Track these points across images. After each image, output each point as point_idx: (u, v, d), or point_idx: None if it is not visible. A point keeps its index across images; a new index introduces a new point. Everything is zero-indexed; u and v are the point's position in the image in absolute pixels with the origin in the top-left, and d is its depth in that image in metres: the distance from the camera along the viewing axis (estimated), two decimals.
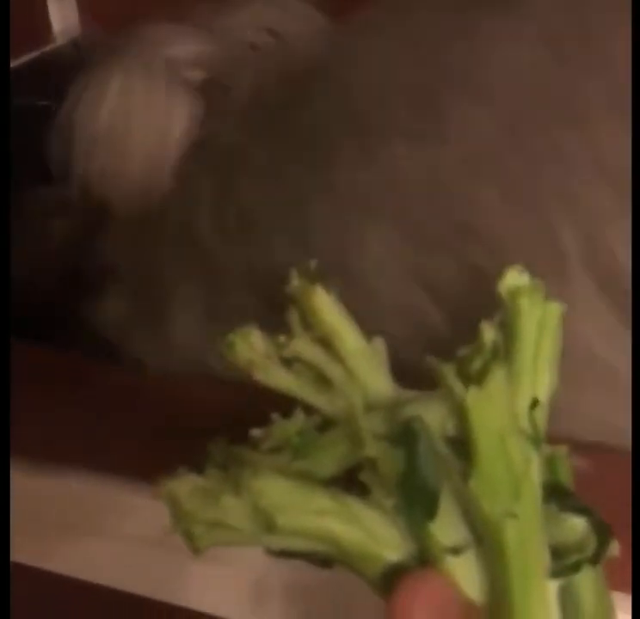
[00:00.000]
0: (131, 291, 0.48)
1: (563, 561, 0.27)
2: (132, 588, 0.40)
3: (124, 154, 0.49)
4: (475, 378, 0.27)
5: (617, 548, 0.29)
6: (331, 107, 0.42)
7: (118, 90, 0.49)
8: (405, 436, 0.27)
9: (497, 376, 0.27)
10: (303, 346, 0.30)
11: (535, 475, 0.27)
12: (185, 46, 0.51)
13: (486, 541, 0.27)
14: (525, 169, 0.37)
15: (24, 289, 0.47)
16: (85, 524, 0.40)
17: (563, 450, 0.29)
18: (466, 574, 0.27)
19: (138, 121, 0.49)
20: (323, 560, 0.29)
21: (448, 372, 0.28)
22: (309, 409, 0.30)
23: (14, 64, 0.86)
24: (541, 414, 0.28)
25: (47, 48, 0.91)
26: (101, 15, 0.91)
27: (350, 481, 0.28)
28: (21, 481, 0.38)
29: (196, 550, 0.28)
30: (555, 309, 0.30)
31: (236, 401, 0.33)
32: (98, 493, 0.39)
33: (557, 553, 0.28)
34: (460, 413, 0.27)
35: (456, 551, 0.27)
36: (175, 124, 0.48)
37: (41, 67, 0.87)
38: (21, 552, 0.40)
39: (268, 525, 0.27)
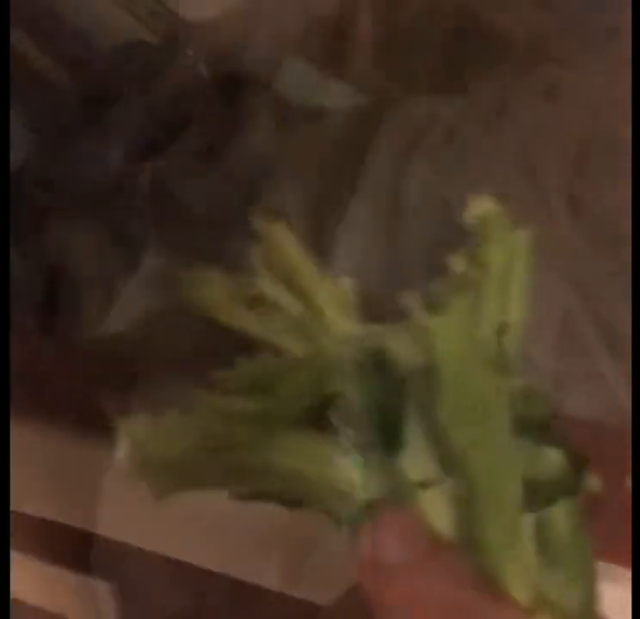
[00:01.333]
0: None
1: (539, 495, 0.27)
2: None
3: None
4: (438, 308, 0.26)
5: (596, 483, 0.28)
6: None
7: None
8: (368, 369, 0.26)
9: (458, 304, 0.26)
10: (266, 286, 0.29)
11: (503, 403, 0.26)
12: None
13: (455, 473, 0.26)
14: None
15: None
16: None
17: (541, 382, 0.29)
18: (437, 509, 0.26)
19: None
20: (292, 502, 0.28)
21: (413, 303, 0.27)
22: (276, 351, 0.29)
23: None
24: (511, 342, 0.27)
25: None
26: None
27: (323, 422, 0.28)
28: None
29: (159, 495, 0.27)
30: (524, 235, 0.29)
31: None
32: None
33: (534, 486, 0.27)
34: (424, 343, 0.26)
35: (425, 485, 0.26)
36: None
37: None
38: None
39: (233, 467, 0.27)
